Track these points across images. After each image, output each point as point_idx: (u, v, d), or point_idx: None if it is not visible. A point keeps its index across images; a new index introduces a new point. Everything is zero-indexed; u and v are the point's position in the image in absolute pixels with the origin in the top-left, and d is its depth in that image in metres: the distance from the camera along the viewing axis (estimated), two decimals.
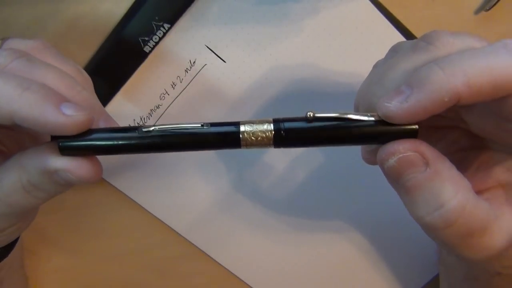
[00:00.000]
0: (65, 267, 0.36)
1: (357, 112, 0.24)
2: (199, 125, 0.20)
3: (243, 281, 0.38)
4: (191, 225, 0.36)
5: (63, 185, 0.22)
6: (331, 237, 0.37)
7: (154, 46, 0.31)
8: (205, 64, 0.33)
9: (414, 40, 0.22)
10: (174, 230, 0.36)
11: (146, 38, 0.31)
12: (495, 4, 0.32)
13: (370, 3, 0.32)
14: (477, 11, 0.33)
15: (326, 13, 0.32)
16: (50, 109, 0.19)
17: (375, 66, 0.26)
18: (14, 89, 0.19)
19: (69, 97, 0.21)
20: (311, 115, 0.21)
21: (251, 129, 0.21)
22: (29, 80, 0.20)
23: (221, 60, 0.33)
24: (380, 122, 0.20)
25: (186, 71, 0.33)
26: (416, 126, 0.20)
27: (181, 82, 0.33)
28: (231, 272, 0.38)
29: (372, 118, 0.20)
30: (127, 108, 0.33)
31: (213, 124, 0.21)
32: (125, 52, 0.31)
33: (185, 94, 0.33)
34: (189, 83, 0.33)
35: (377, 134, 0.20)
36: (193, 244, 0.36)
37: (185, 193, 0.35)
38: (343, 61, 0.33)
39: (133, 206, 0.35)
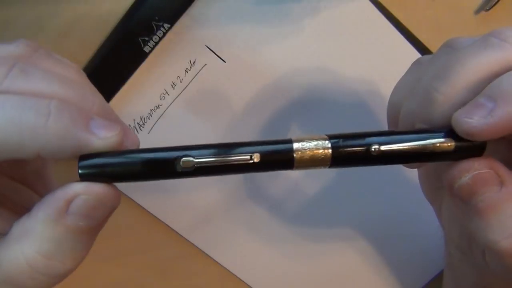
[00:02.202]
0: None
1: (396, 111, 0.22)
2: (248, 157, 0.18)
3: (243, 281, 0.38)
4: (191, 225, 0.36)
5: (82, 231, 0.18)
6: (332, 237, 0.37)
7: (154, 46, 0.31)
8: (205, 64, 0.33)
9: (481, 36, 0.20)
10: (174, 230, 0.36)
11: (146, 38, 0.31)
12: (495, 4, 0.32)
13: (370, 3, 0.32)
14: (477, 11, 0.33)
15: (326, 13, 0.32)
16: (82, 135, 0.16)
17: (419, 63, 0.24)
18: (35, 119, 0.16)
19: (86, 109, 0.18)
20: (377, 149, 0.18)
21: (307, 147, 0.18)
22: (44, 101, 0.16)
23: (221, 60, 0.33)
24: (451, 137, 0.18)
25: (186, 71, 0.33)
26: (485, 142, 0.18)
27: (181, 82, 0.33)
28: (231, 272, 0.38)
29: (442, 135, 0.18)
30: (127, 108, 0.33)
31: (263, 149, 0.18)
32: (125, 52, 0.31)
33: (185, 94, 0.33)
34: (189, 83, 0.33)
35: (444, 151, 0.18)
36: (193, 244, 0.36)
37: (185, 193, 0.35)
38: (343, 61, 0.33)
39: (133, 206, 0.35)
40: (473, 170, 0.18)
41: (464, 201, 0.19)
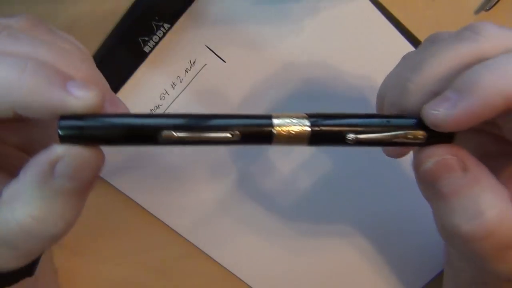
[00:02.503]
0: (65, 267, 0.36)
1: (382, 103, 0.23)
2: (228, 134, 0.18)
3: (243, 281, 0.38)
4: (191, 225, 0.36)
5: (69, 192, 0.18)
6: (332, 237, 0.37)
7: (154, 46, 0.31)
8: (205, 64, 0.33)
9: (458, 30, 0.21)
10: (174, 230, 0.36)
11: (146, 38, 0.31)
12: (495, 4, 0.32)
13: (370, 3, 0.32)
14: (477, 11, 0.33)
15: (326, 13, 0.32)
16: (57, 92, 0.16)
17: (404, 58, 0.24)
18: (10, 74, 0.16)
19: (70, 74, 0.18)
20: (353, 138, 0.19)
21: (285, 123, 0.18)
22: (22, 59, 0.16)
23: (221, 60, 0.33)
24: (418, 125, 0.19)
25: (186, 71, 0.33)
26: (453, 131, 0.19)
27: (181, 82, 0.33)
28: (231, 272, 0.38)
29: (412, 123, 0.19)
30: (127, 108, 0.33)
31: (242, 122, 0.18)
32: (125, 52, 0.31)
33: (185, 94, 0.33)
34: (189, 83, 0.33)
35: (416, 139, 0.19)
36: (193, 244, 0.36)
37: (185, 193, 0.35)
38: (343, 61, 0.33)
39: (133, 206, 0.35)
40: (436, 156, 0.19)
41: (428, 184, 0.19)
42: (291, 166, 0.35)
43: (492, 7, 0.32)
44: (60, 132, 0.17)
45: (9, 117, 0.17)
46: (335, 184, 0.36)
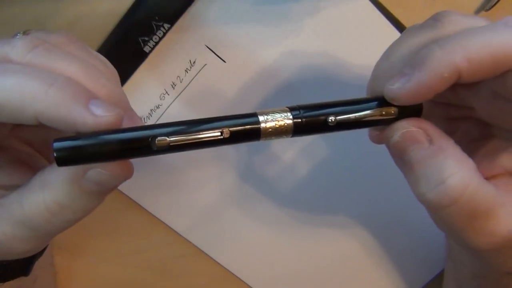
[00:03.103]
0: (65, 267, 0.36)
1: (367, 94, 0.25)
2: (219, 133, 0.19)
3: (243, 281, 0.38)
4: (191, 225, 0.36)
5: (93, 193, 0.20)
6: (333, 236, 0.37)
7: (154, 46, 0.31)
8: (205, 64, 0.33)
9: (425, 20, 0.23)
10: (174, 230, 0.36)
11: (146, 38, 0.31)
12: (495, 4, 0.32)
13: (370, 3, 0.32)
14: (477, 11, 0.33)
15: (326, 13, 0.32)
16: (78, 109, 0.18)
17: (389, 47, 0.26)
18: (38, 86, 0.17)
19: (94, 90, 0.19)
20: (333, 120, 0.20)
21: (270, 118, 0.20)
22: (52, 74, 0.18)
23: (221, 60, 0.33)
24: (385, 104, 0.21)
25: (186, 71, 0.33)
26: (420, 104, 0.21)
27: (181, 82, 0.33)
28: (231, 272, 0.38)
29: (375, 102, 0.21)
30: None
31: (231, 124, 0.19)
32: (125, 52, 0.31)
33: (185, 94, 0.33)
34: (189, 83, 0.33)
35: (389, 117, 0.21)
36: (193, 244, 0.36)
37: (185, 193, 0.35)
38: (343, 61, 0.33)
39: (133, 206, 0.35)
40: (402, 129, 0.20)
41: (398, 159, 0.21)
42: (292, 166, 0.35)
43: (492, 7, 0.32)
44: (55, 154, 0.17)
45: (34, 123, 0.18)
46: (336, 184, 0.36)
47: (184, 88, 0.33)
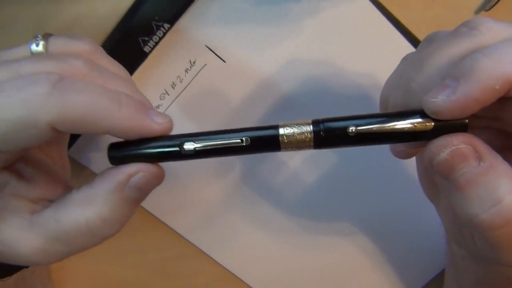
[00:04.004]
0: (65, 267, 0.36)
1: (386, 105, 0.23)
2: (239, 140, 0.21)
3: (243, 281, 0.38)
4: (191, 225, 0.36)
5: (132, 201, 0.21)
6: (333, 237, 0.37)
7: (154, 46, 0.31)
8: (205, 64, 0.33)
9: (455, 28, 0.21)
10: (174, 230, 0.36)
11: (146, 38, 0.31)
12: (495, 4, 0.32)
13: (370, 3, 0.32)
14: (477, 11, 0.33)
15: (326, 13, 0.32)
16: (146, 120, 0.20)
17: (405, 59, 0.25)
18: (110, 103, 0.19)
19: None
20: (353, 130, 0.19)
21: (291, 131, 0.20)
22: (117, 91, 0.20)
23: (221, 60, 0.33)
24: (427, 118, 0.19)
25: (186, 71, 0.33)
26: (466, 120, 0.19)
27: (181, 82, 0.33)
28: (231, 272, 0.38)
29: (418, 117, 0.19)
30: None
31: (252, 132, 0.21)
32: (125, 52, 0.31)
33: (185, 94, 0.33)
34: (189, 83, 0.33)
35: (424, 132, 0.19)
36: (193, 244, 0.36)
37: (185, 193, 0.35)
38: (343, 61, 0.33)
39: None
40: (451, 146, 0.19)
41: (445, 177, 0.19)
42: (292, 166, 0.35)
43: (492, 7, 0.32)
44: (109, 154, 0.21)
45: (101, 134, 0.21)
46: (336, 184, 0.36)
47: (184, 88, 0.33)
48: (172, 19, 0.31)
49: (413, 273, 0.39)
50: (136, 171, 0.21)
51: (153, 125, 0.20)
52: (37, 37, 0.22)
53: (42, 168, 0.23)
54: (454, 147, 0.19)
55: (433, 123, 0.19)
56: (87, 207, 0.20)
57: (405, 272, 0.39)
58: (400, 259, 0.38)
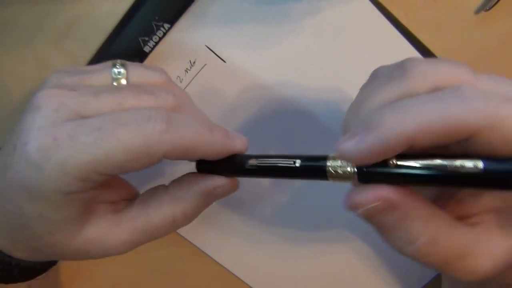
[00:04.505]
0: (65, 267, 0.36)
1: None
2: (292, 162, 0.23)
3: (243, 281, 0.38)
4: (191, 225, 0.36)
5: (208, 204, 0.25)
6: (332, 237, 0.37)
7: (154, 46, 0.31)
8: (205, 64, 0.33)
9: (392, 66, 0.22)
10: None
11: (146, 38, 0.31)
12: (495, 4, 0.32)
13: (370, 3, 0.32)
14: (477, 11, 0.33)
15: (326, 13, 0.32)
16: (231, 143, 0.24)
17: (360, 89, 0.25)
18: (207, 133, 0.23)
19: None
20: (394, 163, 0.20)
21: (337, 164, 0.22)
22: (208, 121, 0.24)
23: (221, 60, 0.33)
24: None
25: (186, 71, 0.33)
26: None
27: (181, 82, 0.33)
28: (231, 272, 0.38)
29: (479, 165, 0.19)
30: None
31: (303, 160, 0.23)
32: (125, 52, 0.31)
33: None
34: (189, 83, 0.33)
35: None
36: (193, 244, 0.36)
37: None
38: (343, 61, 0.33)
39: None
40: (364, 205, 0.20)
41: (367, 222, 0.22)
42: None
43: (492, 7, 0.32)
44: (198, 166, 0.26)
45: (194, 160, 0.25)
46: (336, 186, 0.36)
47: (184, 88, 0.33)
48: (172, 19, 0.31)
49: (410, 276, 0.39)
50: (221, 184, 0.25)
51: (235, 145, 0.24)
52: (116, 63, 0.24)
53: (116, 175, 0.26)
54: (367, 207, 0.20)
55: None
56: (176, 205, 0.24)
57: (404, 273, 0.39)
58: (398, 261, 0.38)
